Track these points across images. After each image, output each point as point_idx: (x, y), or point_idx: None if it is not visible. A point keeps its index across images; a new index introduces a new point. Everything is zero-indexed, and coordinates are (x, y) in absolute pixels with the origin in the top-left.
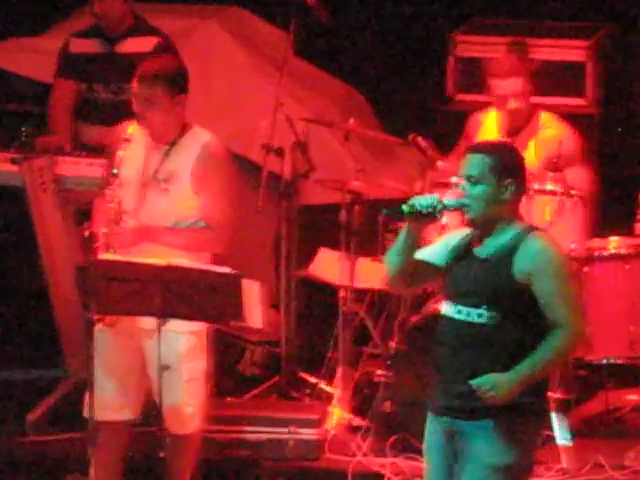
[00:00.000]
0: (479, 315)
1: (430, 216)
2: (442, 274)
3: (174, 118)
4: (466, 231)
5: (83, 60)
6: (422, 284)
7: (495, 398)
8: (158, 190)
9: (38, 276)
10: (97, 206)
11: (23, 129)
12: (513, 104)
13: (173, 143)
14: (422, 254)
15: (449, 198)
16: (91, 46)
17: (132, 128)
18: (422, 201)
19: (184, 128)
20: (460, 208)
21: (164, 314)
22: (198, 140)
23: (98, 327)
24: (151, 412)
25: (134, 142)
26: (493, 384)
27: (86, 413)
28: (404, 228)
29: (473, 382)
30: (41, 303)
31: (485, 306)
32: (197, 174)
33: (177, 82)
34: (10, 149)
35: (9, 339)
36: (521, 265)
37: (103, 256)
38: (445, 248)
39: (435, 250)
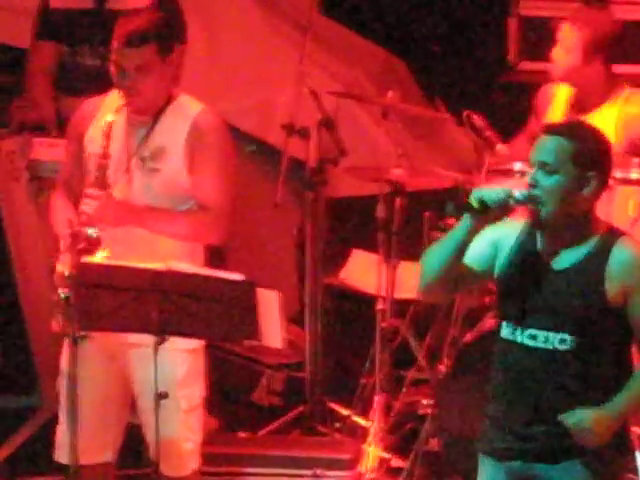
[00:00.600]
0: (561, 341)
1: (498, 213)
2: (486, 281)
3: (164, 85)
4: (516, 226)
5: (66, 17)
6: (459, 292)
7: (593, 438)
8: (146, 170)
9: (7, 283)
10: (61, 200)
11: None
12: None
13: (158, 115)
14: (468, 255)
15: (521, 191)
16: (76, 0)
17: (109, 100)
18: (492, 194)
19: (169, 96)
20: (532, 203)
21: (162, 331)
22: (188, 110)
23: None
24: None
25: (99, 118)
26: (591, 421)
27: (60, 457)
28: (460, 225)
29: (566, 420)
30: (11, 316)
31: (569, 330)
32: (190, 150)
33: (169, 40)
34: None
35: None
36: (614, 281)
37: (88, 259)
38: (492, 249)
39: (478, 250)
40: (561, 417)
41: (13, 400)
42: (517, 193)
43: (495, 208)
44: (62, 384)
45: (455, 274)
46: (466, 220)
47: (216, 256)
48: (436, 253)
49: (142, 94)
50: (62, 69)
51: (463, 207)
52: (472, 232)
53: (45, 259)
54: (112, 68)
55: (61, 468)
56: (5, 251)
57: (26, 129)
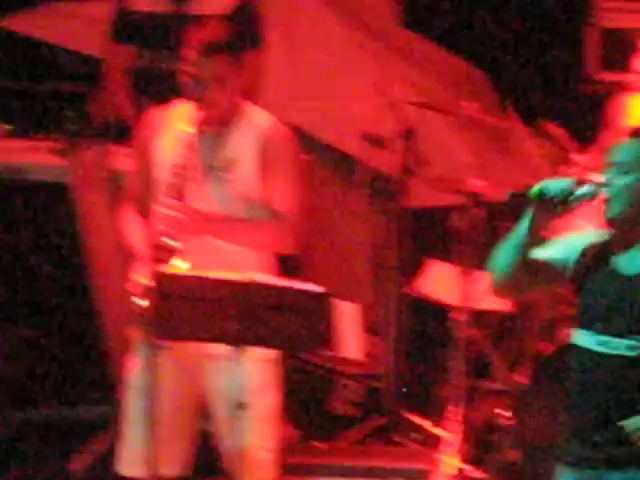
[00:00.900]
0: (628, 347)
1: (562, 205)
2: (563, 284)
3: (236, 96)
4: (593, 231)
5: (145, 21)
6: (535, 292)
7: None
8: (219, 181)
9: (84, 292)
10: (131, 215)
11: (68, 113)
12: None
13: (229, 126)
14: (540, 254)
15: (589, 186)
16: (155, 4)
17: (176, 110)
18: (555, 184)
19: (238, 106)
20: (598, 199)
21: (241, 341)
22: (258, 121)
23: (138, 350)
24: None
25: (168, 128)
26: None
27: (124, 470)
28: (526, 217)
29: (627, 426)
30: (87, 325)
31: (637, 336)
32: (262, 161)
33: (242, 50)
34: (55, 138)
35: (51, 369)
36: None
37: (166, 269)
38: (570, 251)
39: (558, 251)
40: (622, 424)
41: (89, 410)
42: (586, 188)
43: (558, 199)
44: (128, 396)
45: (525, 269)
46: (529, 212)
47: (293, 267)
48: (503, 248)
49: (215, 104)
50: (140, 73)
51: (520, 195)
52: (536, 223)
53: (121, 268)
54: (184, 78)
55: None
56: (83, 261)
57: (108, 132)
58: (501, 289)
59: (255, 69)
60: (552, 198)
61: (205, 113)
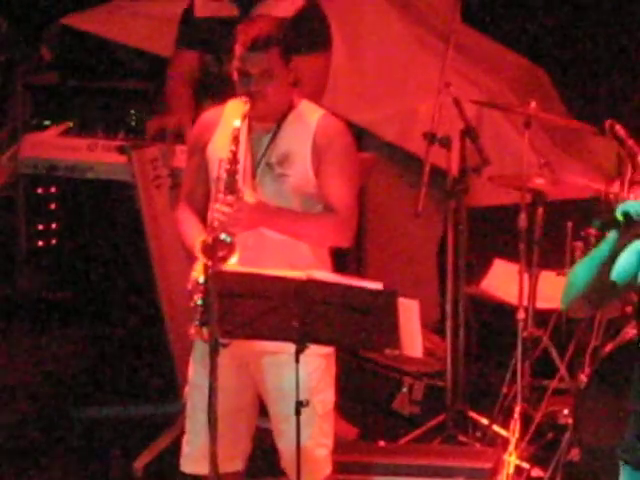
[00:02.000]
0: None
1: None
2: (633, 292)
3: (287, 90)
4: None
5: (210, 26)
6: (604, 307)
7: None
8: (274, 176)
9: (148, 290)
10: (187, 213)
11: (132, 111)
12: None
13: (281, 121)
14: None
15: None
16: (221, 9)
17: (229, 108)
18: (638, 207)
19: (291, 103)
20: None
21: (303, 339)
22: (310, 115)
23: (199, 350)
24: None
25: (222, 126)
26: None
27: (186, 466)
28: (606, 240)
29: None
30: (151, 323)
31: None
32: (316, 155)
33: (292, 44)
34: (117, 136)
35: (115, 367)
36: None
37: (229, 267)
38: (636, 260)
39: (623, 263)
40: None
41: (153, 408)
42: None
43: None
44: (189, 393)
45: (601, 289)
46: (612, 235)
47: (356, 263)
48: (582, 268)
49: (266, 99)
50: (206, 77)
51: (610, 222)
52: (619, 247)
53: (185, 265)
54: (235, 74)
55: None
56: (146, 258)
57: (163, 137)
58: (576, 307)
59: (322, 69)
60: (636, 220)
61: (254, 108)
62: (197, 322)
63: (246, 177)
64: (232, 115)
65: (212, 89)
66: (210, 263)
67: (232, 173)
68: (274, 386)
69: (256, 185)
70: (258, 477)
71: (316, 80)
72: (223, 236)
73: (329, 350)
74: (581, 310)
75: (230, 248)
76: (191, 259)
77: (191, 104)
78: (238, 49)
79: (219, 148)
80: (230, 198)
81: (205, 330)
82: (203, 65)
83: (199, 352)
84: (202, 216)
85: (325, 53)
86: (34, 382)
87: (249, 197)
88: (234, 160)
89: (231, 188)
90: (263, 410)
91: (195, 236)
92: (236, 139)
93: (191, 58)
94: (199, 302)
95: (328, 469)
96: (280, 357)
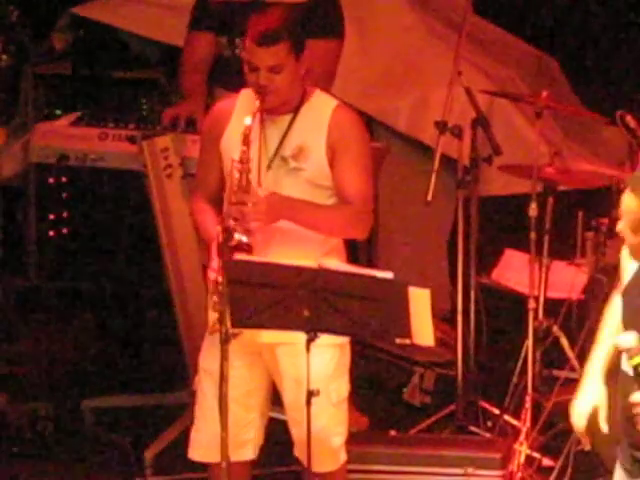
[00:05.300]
0: None
1: None
2: None
3: (298, 83)
4: None
5: (224, 9)
6: None
7: None
8: (289, 170)
9: (159, 279)
10: (201, 204)
11: (143, 101)
12: None
13: (294, 113)
14: None
15: None
16: None
17: (241, 100)
18: None
19: (303, 94)
20: None
21: (314, 328)
22: (324, 107)
23: (211, 339)
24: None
25: (234, 118)
26: None
27: (195, 454)
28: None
29: None
30: (162, 312)
31: None
32: (331, 146)
33: (302, 37)
34: (128, 125)
35: (125, 356)
36: None
37: (240, 257)
38: None
39: None
40: None
41: (163, 398)
42: None
43: None
44: (200, 382)
45: None
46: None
47: (366, 252)
48: None
49: (276, 93)
50: (220, 61)
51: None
52: None
53: (197, 254)
54: (245, 67)
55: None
56: (158, 247)
57: (177, 124)
58: None
59: (333, 55)
60: None
61: (265, 102)
62: (211, 311)
63: (261, 172)
64: (245, 107)
65: (225, 73)
66: (226, 253)
67: (244, 173)
68: (289, 375)
69: (272, 178)
70: (268, 467)
71: (326, 66)
72: (238, 235)
73: (344, 340)
74: None
75: (247, 247)
76: (204, 248)
77: (204, 91)
78: (248, 42)
79: (232, 145)
80: (245, 196)
81: (219, 319)
82: (216, 48)
83: (210, 339)
84: (217, 205)
85: (337, 39)
86: (44, 372)
87: (262, 191)
88: (246, 159)
89: (245, 188)
90: (275, 400)
91: (209, 226)
92: (247, 138)
93: (205, 41)
94: (213, 291)
95: (343, 457)
96: (293, 347)
